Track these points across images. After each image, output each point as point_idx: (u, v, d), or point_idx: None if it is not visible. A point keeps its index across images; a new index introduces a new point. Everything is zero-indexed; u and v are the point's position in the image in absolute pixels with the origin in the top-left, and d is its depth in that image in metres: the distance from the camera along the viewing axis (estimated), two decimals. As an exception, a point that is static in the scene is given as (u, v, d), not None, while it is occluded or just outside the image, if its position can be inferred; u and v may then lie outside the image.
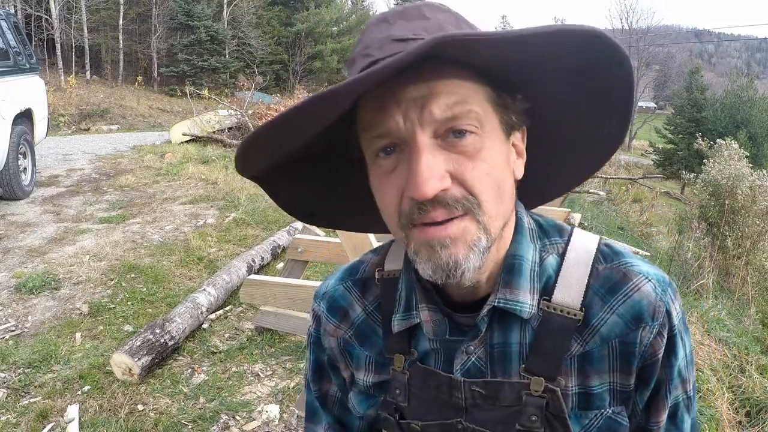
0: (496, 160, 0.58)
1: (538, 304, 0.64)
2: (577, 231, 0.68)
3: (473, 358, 0.65)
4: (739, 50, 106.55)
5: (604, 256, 0.65)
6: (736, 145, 6.54)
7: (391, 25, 0.59)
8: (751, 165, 6.66)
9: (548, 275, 0.65)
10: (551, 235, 0.68)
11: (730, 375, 3.41)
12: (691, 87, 29.06)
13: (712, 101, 25.42)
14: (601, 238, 0.68)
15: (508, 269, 0.64)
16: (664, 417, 0.66)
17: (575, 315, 0.62)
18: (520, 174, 0.64)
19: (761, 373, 3.44)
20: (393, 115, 0.55)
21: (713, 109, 23.62)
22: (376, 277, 0.75)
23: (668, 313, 0.62)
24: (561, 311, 0.63)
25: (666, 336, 0.62)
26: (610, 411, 0.63)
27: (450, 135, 0.56)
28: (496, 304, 0.63)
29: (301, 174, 0.71)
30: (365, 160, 0.62)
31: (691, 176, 6.89)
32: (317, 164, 0.70)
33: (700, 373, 3.21)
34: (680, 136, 26.08)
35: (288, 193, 0.74)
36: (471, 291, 0.65)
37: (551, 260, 0.66)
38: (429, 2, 0.61)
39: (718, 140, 6.89)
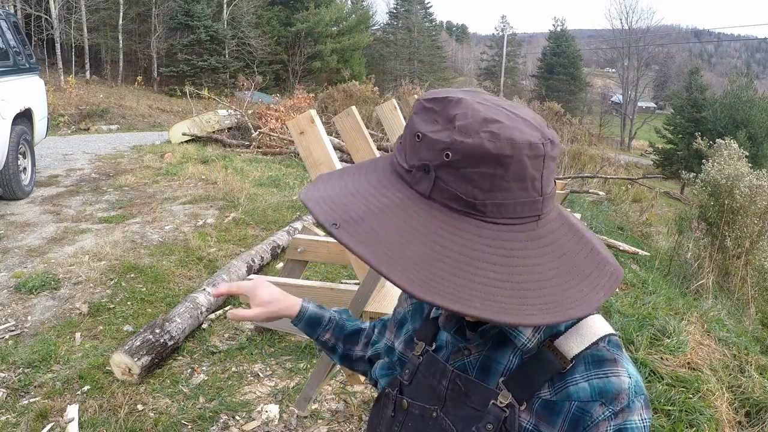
0: None
1: (539, 344, 0.71)
2: (600, 316, 0.74)
3: (466, 359, 0.76)
4: (739, 50, 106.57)
5: (609, 341, 0.71)
6: (735, 145, 6.55)
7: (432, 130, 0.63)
8: (750, 165, 6.67)
9: (559, 328, 0.71)
10: None
11: (730, 375, 3.41)
12: (690, 87, 29.08)
13: (711, 101, 25.41)
14: (614, 333, 0.73)
15: None
16: None
17: (564, 362, 0.69)
18: None
19: (761, 373, 3.44)
20: None
21: (713, 109, 23.62)
22: None
23: (628, 408, 0.67)
24: (556, 353, 0.70)
25: (616, 426, 0.66)
26: None
27: None
28: (499, 324, 0.69)
29: None
30: None
31: (691, 176, 6.89)
32: None
33: (700, 373, 3.21)
34: (680, 136, 26.10)
35: None
36: None
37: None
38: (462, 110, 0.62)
39: (717, 140, 6.90)
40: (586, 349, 0.69)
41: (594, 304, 0.61)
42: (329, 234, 0.61)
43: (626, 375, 0.68)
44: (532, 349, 0.71)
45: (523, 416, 0.69)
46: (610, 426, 0.67)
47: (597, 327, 0.71)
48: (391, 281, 0.58)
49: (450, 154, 0.60)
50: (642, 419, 0.68)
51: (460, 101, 0.62)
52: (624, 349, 0.72)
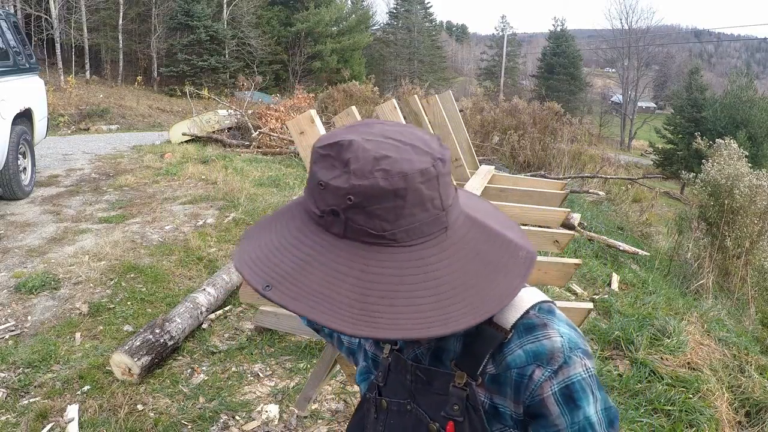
0: None
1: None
2: (531, 287, 0.80)
3: (417, 351, 0.82)
4: (739, 50, 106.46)
5: (540, 308, 0.76)
6: (735, 145, 6.54)
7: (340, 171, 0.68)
8: (750, 165, 6.66)
9: None
10: None
11: (730, 375, 3.42)
12: (690, 87, 29.09)
13: (711, 101, 25.41)
14: (547, 300, 0.78)
15: None
16: None
17: (504, 333, 0.74)
18: None
19: (761, 373, 3.44)
20: None
21: (713, 109, 23.61)
22: None
23: (566, 364, 0.71)
24: (495, 327, 0.75)
25: (559, 383, 0.71)
26: (511, 431, 0.75)
27: None
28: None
29: None
30: None
31: (691, 176, 6.88)
32: None
33: (700, 373, 3.21)
34: (680, 136, 26.10)
35: None
36: None
37: None
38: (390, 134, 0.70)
39: (717, 140, 6.89)
40: (520, 319, 0.74)
41: (514, 292, 0.68)
42: (264, 297, 0.66)
43: (557, 335, 0.72)
44: (470, 328, 0.73)
45: (480, 392, 0.75)
46: (554, 385, 0.71)
47: (528, 297, 0.77)
48: (331, 328, 0.63)
49: (352, 198, 0.65)
50: (586, 369, 0.72)
51: (351, 144, 0.67)
52: (556, 314, 0.76)
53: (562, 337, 0.73)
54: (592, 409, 0.72)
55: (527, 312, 0.75)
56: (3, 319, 3.48)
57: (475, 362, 0.75)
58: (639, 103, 51.11)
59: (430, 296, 0.65)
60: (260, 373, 3.04)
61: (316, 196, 0.69)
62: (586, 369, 0.72)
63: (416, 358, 0.82)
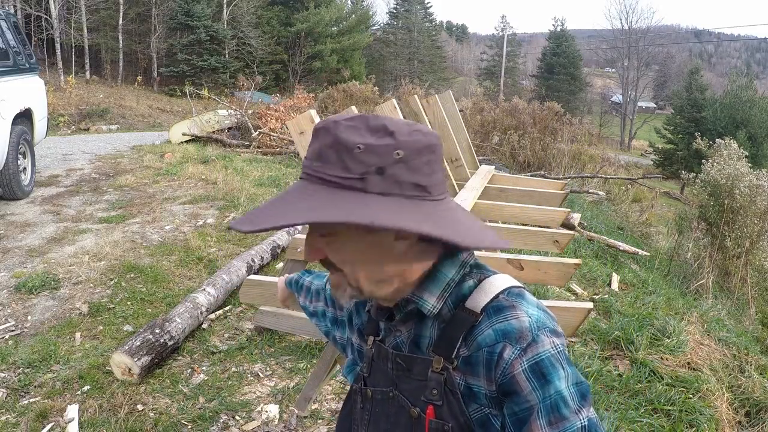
0: (367, 256, 0.79)
1: (453, 309, 0.82)
2: (501, 273, 0.86)
3: (398, 340, 0.87)
4: (739, 50, 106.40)
5: (509, 292, 0.81)
6: (735, 145, 6.55)
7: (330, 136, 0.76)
8: (750, 165, 6.66)
9: (464, 292, 0.82)
10: (483, 269, 0.86)
11: (730, 375, 3.42)
12: (690, 87, 29.07)
13: (711, 101, 25.40)
14: (517, 285, 0.83)
15: (427, 276, 0.83)
16: None
17: (474, 316, 0.79)
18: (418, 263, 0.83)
19: (761, 373, 3.44)
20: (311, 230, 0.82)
21: (713, 109, 23.60)
22: None
23: (534, 342, 0.75)
24: (467, 312, 0.80)
25: (528, 360, 0.74)
26: (488, 411, 0.77)
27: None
28: (407, 296, 0.83)
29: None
30: None
31: (691, 176, 6.88)
32: None
33: (700, 373, 3.21)
34: (680, 136, 26.08)
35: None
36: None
37: (470, 283, 0.83)
38: (355, 119, 0.77)
39: (717, 140, 6.90)
40: (489, 302, 0.79)
41: (496, 241, 0.78)
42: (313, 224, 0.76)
43: (525, 316, 0.77)
44: (445, 315, 0.82)
45: (456, 375, 0.79)
46: (523, 362, 0.74)
47: (498, 283, 0.82)
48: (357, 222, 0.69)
49: (400, 153, 0.73)
50: (554, 346, 0.76)
51: (376, 115, 0.77)
52: (526, 297, 0.81)
53: (530, 317, 0.77)
54: (563, 383, 0.74)
55: (497, 296, 0.80)
56: (3, 319, 3.48)
57: (450, 346, 0.79)
58: (639, 103, 51.10)
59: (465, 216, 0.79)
60: (260, 373, 3.04)
61: (348, 162, 0.73)
62: (555, 346, 0.76)
63: (396, 346, 0.86)
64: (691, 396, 2.95)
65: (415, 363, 0.83)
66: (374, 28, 43.49)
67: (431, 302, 0.82)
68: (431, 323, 0.83)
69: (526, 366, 0.74)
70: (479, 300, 0.80)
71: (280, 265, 4.34)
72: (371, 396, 0.90)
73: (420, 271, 0.82)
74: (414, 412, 0.81)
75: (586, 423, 0.73)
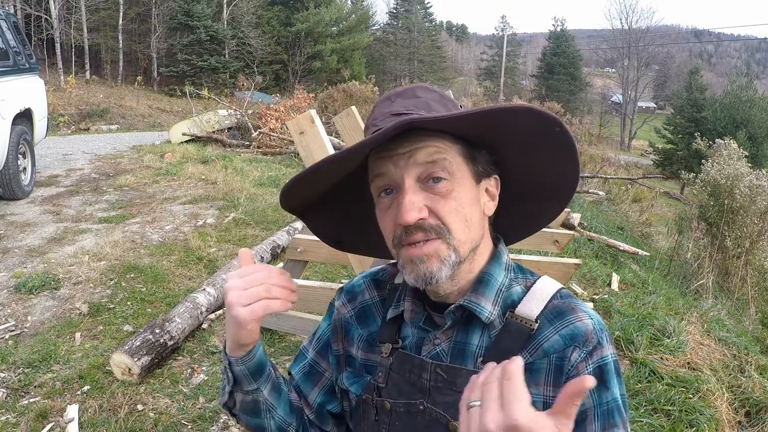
0: (464, 200, 0.77)
1: (501, 315, 0.80)
2: (546, 276, 0.85)
3: (437, 349, 0.82)
4: (739, 50, 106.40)
5: (561, 296, 0.81)
6: (735, 145, 6.55)
7: (392, 103, 0.81)
8: (750, 165, 6.67)
9: (513, 299, 0.82)
10: (525, 273, 0.86)
11: (730, 375, 3.41)
12: (690, 87, 29.08)
13: (711, 101, 25.43)
14: (560, 285, 0.83)
15: (479, 281, 0.82)
16: None
17: (531, 325, 0.78)
18: (489, 212, 0.83)
19: (761, 373, 3.44)
20: (388, 164, 0.76)
21: (713, 109, 23.62)
22: (388, 283, 0.96)
23: (600, 345, 0.75)
24: (520, 320, 0.79)
25: (594, 363, 0.74)
26: None
27: (429, 180, 0.76)
28: (462, 303, 0.80)
29: (332, 211, 0.94)
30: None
31: (691, 176, 6.89)
32: (345, 202, 0.92)
33: (700, 373, 3.21)
34: (680, 136, 26.09)
35: (322, 224, 0.97)
36: (447, 298, 0.83)
37: (518, 289, 0.83)
38: (421, 85, 0.83)
39: (717, 140, 6.90)
40: (545, 308, 0.79)
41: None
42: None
43: (588, 317, 0.77)
44: (497, 323, 0.80)
45: None
46: (589, 365, 0.74)
47: (547, 287, 0.82)
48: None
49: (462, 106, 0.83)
50: (613, 353, 0.77)
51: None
52: (574, 297, 0.81)
53: (591, 319, 0.77)
54: (617, 391, 0.75)
55: (551, 300, 0.79)
56: (3, 319, 3.48)
57: (505, 356, 0.71)
58: (639, 103, 51.11)
59: None
60: (260, 373, 3.04)
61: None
62: (613, 353, 0.76)
63: (436, 356, 0.82)
64: (691, 396, 2.95)
65: (459, 375, 0.78)
66: (374, 28, 43.53)
67: (488, 308, 0.80)
68: (480, 331, 0.80)
69: (591, 370, 0.74)
70: (533, 307, 0.79)
71: (280, 265, 4.34)
72: (390, 408, 0.84)
73: (481, 227, 0.81)
74: (454, 426, 0.77)
75: None
